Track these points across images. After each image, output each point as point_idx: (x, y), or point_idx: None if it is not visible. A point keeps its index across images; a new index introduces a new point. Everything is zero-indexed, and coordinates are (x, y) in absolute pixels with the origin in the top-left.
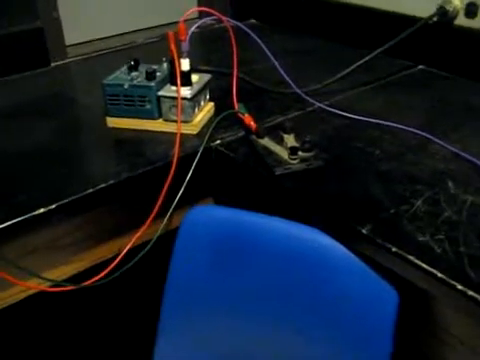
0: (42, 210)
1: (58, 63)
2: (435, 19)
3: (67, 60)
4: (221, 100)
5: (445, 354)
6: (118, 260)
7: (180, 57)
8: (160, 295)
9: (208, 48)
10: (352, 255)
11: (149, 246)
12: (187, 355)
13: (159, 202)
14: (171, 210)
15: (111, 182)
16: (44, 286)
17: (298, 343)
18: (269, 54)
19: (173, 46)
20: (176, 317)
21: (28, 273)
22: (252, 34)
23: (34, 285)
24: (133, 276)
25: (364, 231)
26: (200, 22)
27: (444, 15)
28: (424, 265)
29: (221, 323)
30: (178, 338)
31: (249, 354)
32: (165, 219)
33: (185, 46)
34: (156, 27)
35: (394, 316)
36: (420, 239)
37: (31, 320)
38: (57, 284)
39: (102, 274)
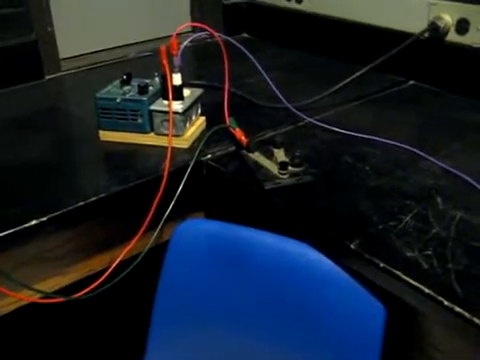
0: (34, 222)
1: (52, 76)
2: (426, 35)
3: (61, 73)
4: (213, 114)
5: None
6: (109, 272)
7: (172, 72)
8: (150, 307)
9: (200, 63)
10: (340, 270)
11: (139, 259)
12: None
13: (150, 215)
14: (162, 223)
15: (102, 195)
16: (35, 297)
17: (286, 355)
18: (260, 69)
19: (165, 61)
20: (165, 329)
21: (19, 284)
22: (243, 49)
23: (25, 297)
24: (123, 289)
25: (352, 246)
26: (192, 37)
27: (435, 31)
28: (411, 281)
29: (209, 336)
30: (167, 350)
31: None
32: (155, 232)
33: (177, 61)
34: (149, 41)
35: (382, 331)
36: (408, 254)
37: (21, 331)
38: (48, 296)
39: (92, 286)
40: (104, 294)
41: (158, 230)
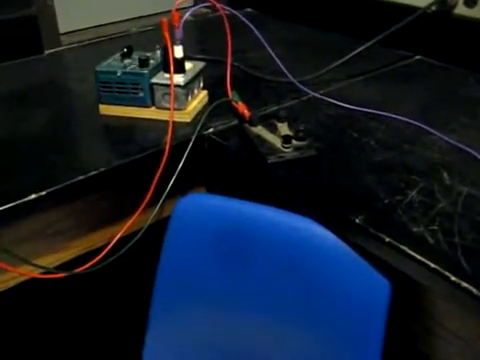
0: (33, 196)
1: (52, 51)
2: (434, 8)
3: (61, 48)
4: (215, 88)
5: (437, 346)
6: (109, 248)
7: (173, 44)
8: (151, 283)
9: (203, 37)
10: (344, 245)
11: (140, 234)
12: (176, 343)
13: (151, 190)
14: (163, 198)
15: (102, 169)
16: (36, 273)
17: (290, 332)
18: (264, 43)
19: (166, 33)
20: (167, 305)
21: (20, 259)
22: (248, 22)
23: (26, 272)
24: (124, 264)
25: (357, 221)
26: (194, 8)
27: (443, 4)
28: (417, 256)
29: (210, 312)
30: (168, 326)
31: (238, 343)
32: (157, 207)
33: (179, 33)
34: (151, 16)
35: (386, 306)
36: (414, 230)
37: (22, 307)
38: (48, 271)
39: (93, 262)
40: (105, 270)
41: (159, 205)
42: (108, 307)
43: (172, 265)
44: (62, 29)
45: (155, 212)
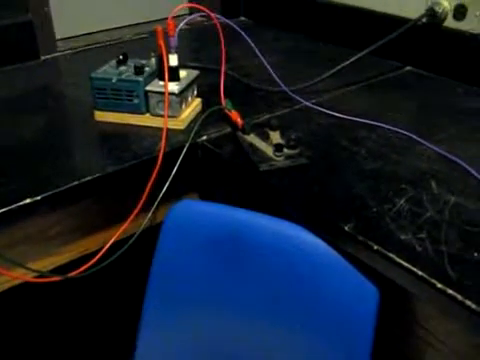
0: (28, 201)
1: (47, 56)
2: (424, 20)
3: (56, 54)
4: (208, 96)
5: (424, 352)
6: (103, 252)
7: (168, 52)
8: (143, 288)
9: (197, 45)
10: (334, 252)
11: (133, 239)
12: (167, 348)
13: (144, 196)
14: (156, 204)
15: (97, 175)
16: (29, 277)
17: (279, 338)
18: (257, 52)
19: (161, 41)
20: (158, 310)
21: (14, 263)
22: (241, 31)
23: (19, 275)
24: (117, 269)
25: (346, 228)
26: (189, 18)
27: (433, 16)
28: (405, 263)
29: (201, 317)
30: (159, 331)
31: (229, 348)
32: (149, 213)
33: (173, 41)
34: (145, 23)
35: (375, 312)
36: (402, 237)
37: (15, 311)
38: (42, 275)
39: (86, 266)
40: (98, 274)
41: (152, 211)
42: (100, 312)
43: (164, 270)
44: (58, 35)
45: (148, 218)
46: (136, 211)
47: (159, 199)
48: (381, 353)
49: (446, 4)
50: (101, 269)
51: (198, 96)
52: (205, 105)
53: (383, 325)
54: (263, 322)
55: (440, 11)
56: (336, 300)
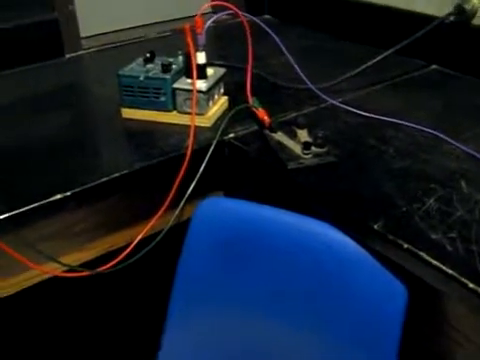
0: (58, 196)
1: (72, 54)
2: (452, 18)
3: (81, 52)
4: (235, 94)
5: (453, 352)
6: (130, 249)
7: (196, 50)
8: (170, 285)
9: (222, 43)
10: (362, 250)
11: (161, 236)
12: (194, 345)
13: (172, 192)
14: (184, 201)
15: (125, 172)
16: (59, 271)
17: (306, 336)
18: (285, 50)
19: (189, 39)
20: (184, 307)
21: (46, 257)
22: (268, 29)
23: (49, 270)
24: (143, 266)
25: (376, 227)
26: (217, 16)
27: (461, 14)
28: (435, 262)
29: (227, 313)
30: (186, 328)
31: (256, 347)
32: (177, 210)
33: (201, 39)
34: (169, 21)
35: (403, 312)
36: (432, 236)
37: (41, 306)
38: (72, 269)
39: (113, 262)
40: (123, 271)
41: (180, 208)
42: (126, 309)
43: (191, 268)
44: (83, 33)
45: (175, 214)
46: (163, 208)
47: (187, 195)
48: (410, 352)
49: (476, 1)
50: (127, 266)
51: (224, 94)
52: (231, 103)
53: (412, 324)
54: (290, 320)
55: (469, 8)
56: (364, 298)
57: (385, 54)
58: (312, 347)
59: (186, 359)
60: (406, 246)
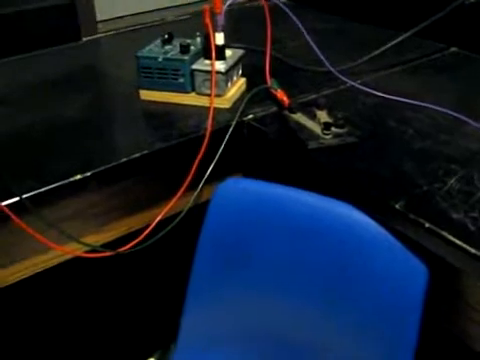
0: (78, 177)
1: (89, 38)
2: (472, 0)
3: (98, 35)
4: (252, 77)
5: (472, 331)
6: (149, 230)
7: (215, 31)
8: (189, 266)
9: (237, 26)
10: (383, 230)
11: (181, 216)
12: (212, 329)
13: (191, 174)
14: (202, 182)
15: (145, 152)
16: (80, 252)
17: (325, 318)
18: (304, 32)
19: (208, 19)
20: (203, 288)
21: (66, 238)
22: (287, 10)
23: (70, 250)
24: (161, 248)
25: (397, 206)
26: None
27: None
28: (457, 241)
29: (247, 295)
30: (205, 309)
31: (276, 328)
32: (196, 191)
33: (220, 20)
34: (186, 5)
35: (423, 291)
36: (454, 216)
37: (58, 287)
38: (94, 250)
39: (132, 244)
40: (143, 253)
41: (199, 189)
42: (144, 291)
43: (211, 249)
44: (99, 17)
45: (194, 195)
46: (182, 189)
47: (206, 178)
48: (427, 332)
49: None
50: (146, 248)
51: (242, 76)
52: (249, 85)
53: (431, 304)
54: (310, 301)
55: None
56: (385, 278)
57: (404, 36)
58: (331, 327)
59: (205, 339)
60: (428, 225)
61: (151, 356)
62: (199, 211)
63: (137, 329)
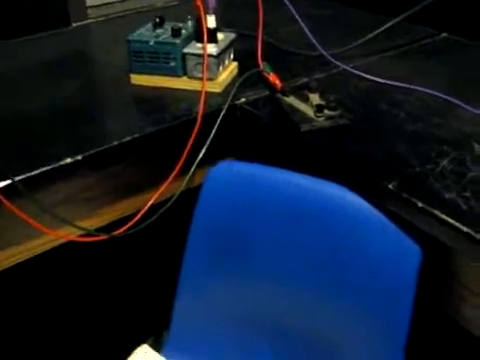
0: (69, 160)
1: (79, 23)
2: None
3: (87, 21)
4: (244, 61)
5: (465, 312)
6: (142, 214)
7: (206, 13)
8: (182, 251)
9: (228, 11)
10: (376, 211)
11: (172, 201)
12: (206, 312)
13: (183, 157)
14: (194, 166)
15: (136, 136)
16: (73, 236)
17: (319, 301)
18: (297, 16)
19: (199, 1)
20: (196, 273)
21: (60, 222)
22: None
23: (63, 235)
24: (155, 232)
25: (390, 186)
26: None
27: None
28: (450, 219)
29: (241, 279)
30: (197, 294)
31: (271, 312)
32: (188, 175)
33: (212, 2)
34: None
35: (417, 272)
36: (446, 196)
37: (50, 273)
38: (88, 234)
39: (126, 226)
40: (135, 237)
41: (191, 173)
42: (137, 276)
43: (204, 233)
44: (89, 2)
45: (186, 180)
46: (174, 173)
47: (197, 161)
48: (421, 312)
49: None
50: (138, 232)
51: (234, 60)
52: (240, 69)
53: (424, 284)
54: (305, 285)
55: None
56: (379, 258)
57: (395, 21)
58: (325, 310)
59: (198, 325)
60: (420, 205)
61: (144, 342)
62: (191, 196)
63: (130, 315)
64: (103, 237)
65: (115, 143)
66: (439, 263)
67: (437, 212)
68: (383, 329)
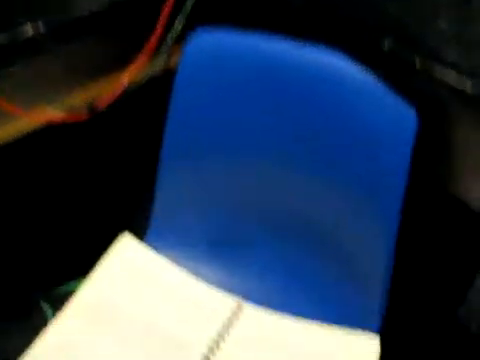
0: (31, 32)
1: None
2: None
3: None
4: None
5: (467, 183)
6: (114, 98)
7: None
8: (159, 139)
9: None
10: (369, 75)
11: (144, 81)
12: (189, 194)
13: (158, 31)
14: (170, 42)
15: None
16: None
17: (314, 177)
18: None
19: None
20: (180, 159)
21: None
22: None
23: (44, 117)
24: (133, 114)
25: (385, 47)
26: None
27: None
28: (451, 82)
29: (229, 156)
30: (178, 179)
31: (261, 194)
32: (165, 49)
33: None
34: None
35: (413, 139)
36: (445, 55)
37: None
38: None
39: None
40: (108, 123)
41: (168, 48)
42: (112, 165)
43: (185, 115)
44: None
45: (164, 57)
46: (150, 48)
47: (174, 37)
48: (418, 189)
49: None
50: (115, 117)
51: None
52: None
53: (421, 155)
54: (296, 159)
55: None
56: (373, 125)
57: None
58: (319, 186)
59: (182, 210)
60: (418, 65)
61: (123, 230)
62: (170, 79)
63: (106, 203)
64: (85, 116)
65: (83, 13)
66: (437, 128)
67: (436, 70)
68: (375, 204)
